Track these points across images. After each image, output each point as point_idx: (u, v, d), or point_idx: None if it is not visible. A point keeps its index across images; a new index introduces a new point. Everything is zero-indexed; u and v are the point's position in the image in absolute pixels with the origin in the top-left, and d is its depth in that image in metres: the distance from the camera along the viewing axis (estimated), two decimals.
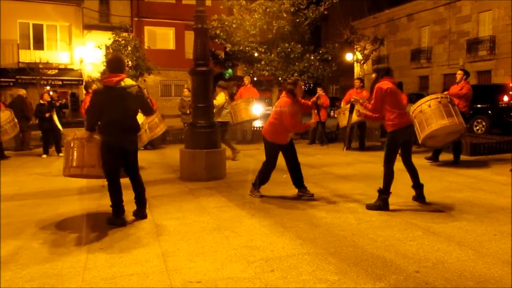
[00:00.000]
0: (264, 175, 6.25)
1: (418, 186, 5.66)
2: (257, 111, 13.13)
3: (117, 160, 5.02)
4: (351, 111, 6.27)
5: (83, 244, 4.38)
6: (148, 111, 5.50)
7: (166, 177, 8.06)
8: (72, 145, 5.16)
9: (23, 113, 12.16)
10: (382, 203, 5.41)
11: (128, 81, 5.00)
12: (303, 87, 6.29)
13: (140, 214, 5.25)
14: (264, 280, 3.42)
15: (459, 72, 8.78)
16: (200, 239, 4.45)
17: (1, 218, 5.34)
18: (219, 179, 7.57)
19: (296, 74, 15.86)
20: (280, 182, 6.97)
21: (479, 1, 25.14)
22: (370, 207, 5.46)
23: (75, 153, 5.12)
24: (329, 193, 6.42)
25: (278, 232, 4.65)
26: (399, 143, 5.48)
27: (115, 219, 5.02)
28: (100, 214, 5.44)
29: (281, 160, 6.29)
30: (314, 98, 6.33)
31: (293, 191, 6.32)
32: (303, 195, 6.14)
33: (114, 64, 5.09)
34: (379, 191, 5.46)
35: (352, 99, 6.21)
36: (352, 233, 4.55)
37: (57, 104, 12.25)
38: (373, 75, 5.70)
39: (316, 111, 6.22)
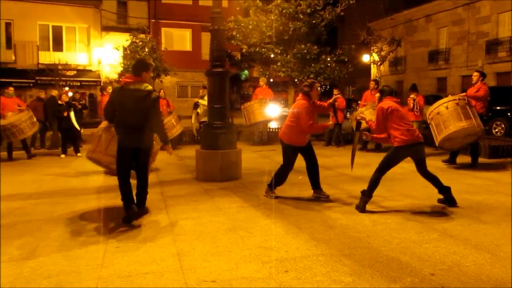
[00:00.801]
0: (280, 177, 6.25)
1: (443, 191, 5.53)
2: (273, 112, 13.15)
3: (127, 159, 5.18)
4: (357, 129, 6.20)
5: (100, 242, 4.44)
6: (154, 119, 5.15)
7: (182, 177, 8.12)
8: (98, 133, 5.86)
9: (55, 113, 12.34)
10: (361, 204, 5.46)
11: (142, 85, 5.09)
12: (319, 89, 6.29)
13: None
14: (278, 281, 3.43)
15: (475, 73, 8.69)
16: (215, 239, 4.48)
17: (20, 216, 5.47)
18: (234, 179, 7.60)
19: (312, 76, 15.83)
20: (296, 183, 6.96)
21: (498, 2, 24.74)
22: (356, 206, 5.54)
23: (99, 141, 5.82)
24: (345, 194, 6.40)
25: (293, 233, 4.65)
26: (400, 159, 5.47)
27: (125, 211, 5.15)
28: (117, 213, 5.48)
29: (297, 161, 6.29)
30: (330, 100, 6.36)
31: (308, 192, 6.31)
32: (319, 196, 6.14)
33: (134, 67, 5.29)
34: (363, 192, 5.51)
35: (359, 117, 6.20)
36: (367, 234, 4.53)
37: (79, 106, 12.44)
38: (377, 95, 5.71)
39: (333, 112, 6.24)
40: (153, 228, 4.93)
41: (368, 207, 5.50)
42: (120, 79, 5.61)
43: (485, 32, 25.73)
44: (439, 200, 5.64)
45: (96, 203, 6.16)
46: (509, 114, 15.31)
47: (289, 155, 6.15)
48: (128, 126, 5.08)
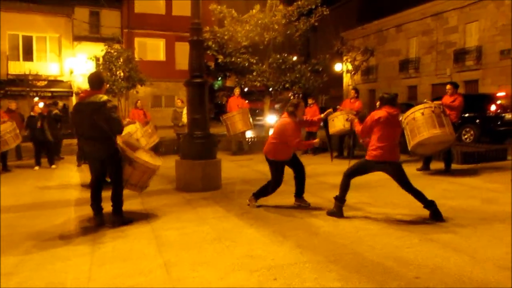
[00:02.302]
0: (267, 191, 6.28)
1: (428, 205, 5.38)
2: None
3: (95, 166, 5.56)
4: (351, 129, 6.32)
5: (85, 255, 4.40)
6: (112, 129, 5.37)
7: (162, 188, 8.08)
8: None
9: (28, 125, 12.01)
10: (336, 210, 5.60)
11: (97, 97, 5.34)
12: (304, 108, 6.39)
13: (112, 219, 5.51)
14: None
15: (448, 86, 8.96)
16: (201, 249, 4.50)
17: (1, 229, 5.35)
18: (215, 189, 7.62)
19: (287, 85, 16.02)
20: (277, 192, 6.99)
21: (465, 13, 25.60)
22: (328, 213, 5.68)
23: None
24: (326, 202, 6.47)
25: (278, 241, 4.71)
26: (368, 171, 5.62)
27: (94, 217, 5.56)
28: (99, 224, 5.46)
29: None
30: (322, 116, 6.49)
31: (290, 200, 6.39)
32: (300, 204, 6.23)
33: (90, 82, 5.56)
34: (335, 198, 5.64)
35: (349, 120, 6.27)
36: (351, 241, 4.63)
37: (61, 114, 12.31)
38: (377, 103, 5.67)
39: (323, 125, 6.37)
40: (138, 239, 4.91)
41: (349, 213, 5.63)
42: (80, 94, 5.96)
43: (453, 42, 26.52)
44: (430, 217, 5.39)
45: (76, 215, 6.09)
46: (477, 121, 15.79)
47: (276, 170, 6.16)
48: (89, 138, 5.40)
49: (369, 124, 5.49)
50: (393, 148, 5.40)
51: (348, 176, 5.64)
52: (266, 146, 6.27)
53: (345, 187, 5.61)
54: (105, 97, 5.39)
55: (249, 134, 15.52)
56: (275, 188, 6.25)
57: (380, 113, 5.44)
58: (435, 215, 5.35)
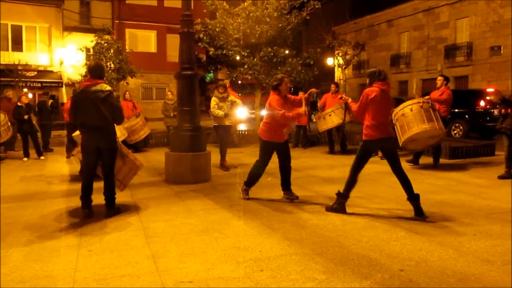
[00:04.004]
0: (254, 176, 6.31)
1: (413, 198, 5.30)
2: (242, 114, 13.23)
3: (91, 157, 5.50)
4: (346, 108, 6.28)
5: (72, 246, 4.39)
6: (116, 118, 5.53)
7: (151, 180, 8.08)
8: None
9: (16, 116, 11.86)
10: (338, 206, 5.53)
11: (102, 86, 5.42)
12: (289, 84, 6.37)
13: (105, 212, 5.55)
14: (254, 280, 3.51)
15: (439, 78, 9.02)
16: (189, 241, 4.51)
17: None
18: (204, 182, 7.63)
19: None
20: (266, 185, 7.05)
21: (456, 8, 25.73)
22: (328, 208, 5.60)
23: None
24: (314, 195, 6.54)
25: (265, 233, 4.74)
26: (371, 152, 5.57)
27: (82, 209, 5.50)
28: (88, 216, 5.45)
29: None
30: (306, 95, 6.31)
31: (278, 193, 6.42)
32: (289, 197, 6.26)
33: (93, 71, 5.59)
34: (338, 194, 5.57)
35: (344, 100, 6.19)
36: (338, 234, 4.67)
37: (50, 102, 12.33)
38: (368, 81, 5.55)
39: (308, 110, 6.32)
40: (126, 231, 4.91)
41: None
42: (79, 83, 6.05)
43: (444, 38, 26.66)
44: (415, 214, 5.32)
45: (64, 206, 6.07)
46: (467, 116, 15.94)
47: (265, 151, 6.21)
48: (91, 126, 5.39)
49: (363, 103, 5.38)
50: (386, 125, 5.42)
51: (356, 168, 5.47)
52: (261, 128, 6.35)
53: (351, 183, 5.48)
54: (109, 87, 5.52)
55: (242, 127, 15.53)
56: (263, 169, 6.26)
57: (373, 90, 5.34)
58: (416, 210, 5.32)
